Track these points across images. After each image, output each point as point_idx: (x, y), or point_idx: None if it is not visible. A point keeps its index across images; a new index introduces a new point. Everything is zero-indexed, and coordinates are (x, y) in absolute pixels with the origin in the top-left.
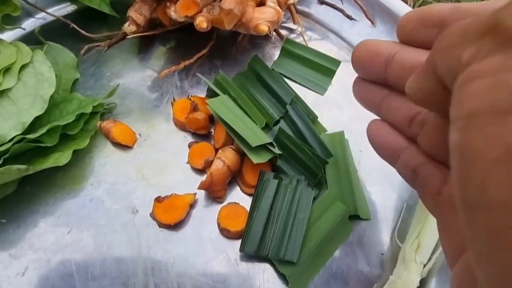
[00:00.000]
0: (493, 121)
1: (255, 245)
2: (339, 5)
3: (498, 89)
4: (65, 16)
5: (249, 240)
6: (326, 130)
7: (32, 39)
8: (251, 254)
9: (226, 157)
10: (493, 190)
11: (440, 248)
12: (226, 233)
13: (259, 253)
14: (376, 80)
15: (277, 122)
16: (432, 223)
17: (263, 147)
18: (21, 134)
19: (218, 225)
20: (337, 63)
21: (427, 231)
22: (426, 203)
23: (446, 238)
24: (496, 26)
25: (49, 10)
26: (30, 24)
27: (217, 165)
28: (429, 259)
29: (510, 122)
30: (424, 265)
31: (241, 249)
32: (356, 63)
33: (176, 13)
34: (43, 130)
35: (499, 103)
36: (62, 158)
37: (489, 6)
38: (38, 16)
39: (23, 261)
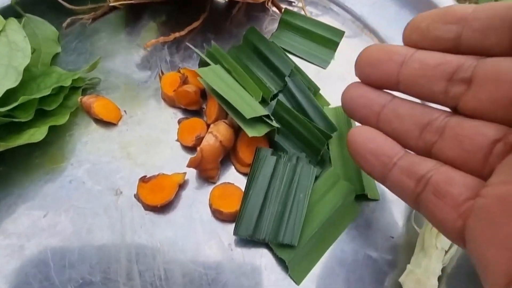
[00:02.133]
0: None
1: (251, 228)
2: None
3: None
4: None
5: (243, 222)
6: (329, 104)
7: (10, 12)
8: (246, 238)
9: (219, 132)
10: None
11: None
12: (219, 215)
13: (255, 237)
14: (383, 83)
15: (276, 96)
16: None
17: (259, 120)
18: None
19: (210, 206)
20: (340, 34)
21: None
22: (446, 218)
23: (493, 256)
24: None
25: None
26: None
27: (208, 141)
28: (451, 245)
29: None
30: (446, 252)
31: (235, 232)
32: (364, 62)
33: None
34: (16, 103)
35: None
36: (37, 134)
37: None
38: None
39: None
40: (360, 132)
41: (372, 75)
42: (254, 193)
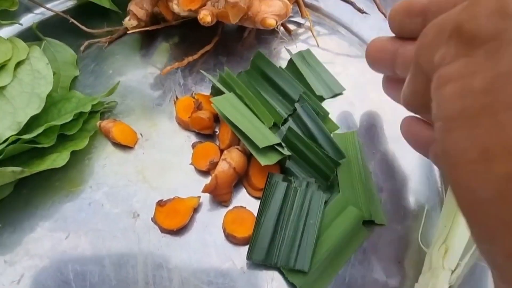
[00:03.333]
0: (467, 124)
1: (263, 253)
2: None
3: (465, 94)
4: (65, 11)
5: (256, 248)
6: (338, 127)
7: (30, 36)
8: (259, 263)
9: (232, 159)
10: (480, 190)
11: (469, 253)
12: (232, 239)
13: (268, 262)
14: (389, 73)
15: (286, 120)
16: (460, 226)
17: (271, 148)
18: (17, 134)
19: (224, 230)
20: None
21: (456, 235)
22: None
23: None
24: (458, 28)
25: (48, 5)
26: (28, 20)
27: (223, 167)
28: (457, 265)
29: (481, 124)
30: (452, 272)
31: (249, 257)
32: (369, 60)
33: (179, 6)
34: (40, 130)
35: (469, 108)
36: (59, 159)
37: None
38: (37, 11)
39: (19, 268)
40: (404, 126)
41: (377, 70)
42: (266, 219)
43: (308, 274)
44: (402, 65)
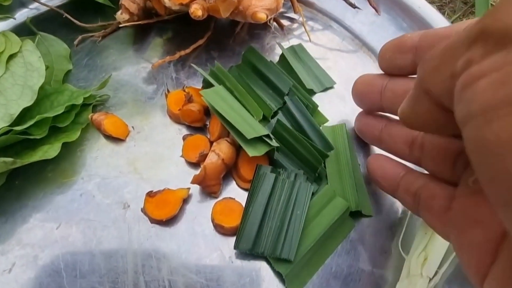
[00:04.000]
0: None
1: (250, 242)
2: None
3: (506, 80)
4: (59, 6)
5: (243, 237)
6: (327, 120)
7: (24, 30)
8: (246, 252)
9: (221, 150)
10: None
11: (448, 262)
12: (220, 230)
13: (254, 251)
14: (374, 110)
15: (276, 113)
16: None
17: (260, 140)
18: (9, 126)
19: (212, 221)
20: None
21: (435, 243)
22: (435, 227)
23: (468, 258)
24: (484, 31)
25: (42, 0)
26: (23, 14)
27: (211, 159)
28: (436, 273)
29: None
30: (430, 279)
31: (236, 247)
32: (355, 94)
33: (170, 0)
34: (32, 122)
35: None
36: (51, 151)
37: (454, 28)
38: (31, 6)
39: (10, 257)
40: (372, 161)
41: (364, 105)
42: (254, 210)
43: (294, 263)
44: (390, 99)
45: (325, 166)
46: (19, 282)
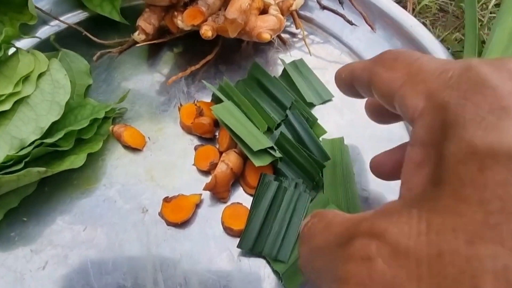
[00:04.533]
0: None
1: (251, 243)
2: (340, 10)
3: None
4: (78, 24)
5: (246, 238)
6: (326, 132)
7: (46, 46)
8: (248, 251)
9: (230, 161)
10: None
11: None
12: (230, 232)
13: (254, 250)
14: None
15: (279, 125)
16: None
17: (265, 151)
18: (40, 138)
19: (222, 223)
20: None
21: None
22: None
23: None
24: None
25: (61, 18)
26: (44, 32)
27: (221, 168)
28: None
29: None
30: None
31: (239, 246)
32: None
33: (183, 22)
34: (60, 135)
35: None
36: (77, 160)
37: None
38: (52, 24)
39: (43, 256)
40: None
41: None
42: (256, 214)
43: (289, 263)
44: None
45: (322, 176)
46: (51, 278)
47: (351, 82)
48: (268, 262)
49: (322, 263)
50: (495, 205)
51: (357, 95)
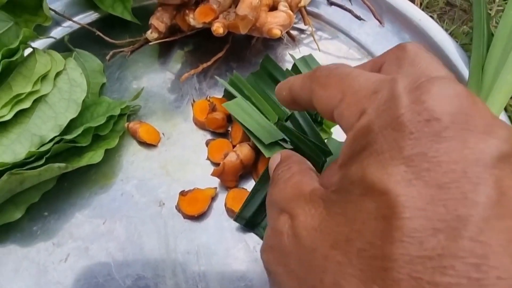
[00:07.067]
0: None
1: (245, 220)
2: (348, 5)
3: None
4: (90, 24)
5: (242, 214)
6: (335, 125)
7: (60, 46)
8: (241, 225)
9: (241, 152)
10: None
11: None
12: (231, 213)
13: (247, 226)
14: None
15: (289, 116)
16: None
17: (276, 143)
18: (59, 135)
19: (225, 205)
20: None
21: None
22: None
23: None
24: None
25: (74, 19)
26: (58, 32)
27: (231, 158)
28: None
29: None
30: None
31: (234, 219)
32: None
33: (194, 20)
34: (79, 131)
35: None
36: (95, 156)
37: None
38: (64, 24)
39: (65, 249)
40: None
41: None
42: (256, 196)
43: None
44: None
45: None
46: (74, 270)
47: (292, 99)
48: None
49: (269, 211)
50: (357, 225)
51: (301, 108)
